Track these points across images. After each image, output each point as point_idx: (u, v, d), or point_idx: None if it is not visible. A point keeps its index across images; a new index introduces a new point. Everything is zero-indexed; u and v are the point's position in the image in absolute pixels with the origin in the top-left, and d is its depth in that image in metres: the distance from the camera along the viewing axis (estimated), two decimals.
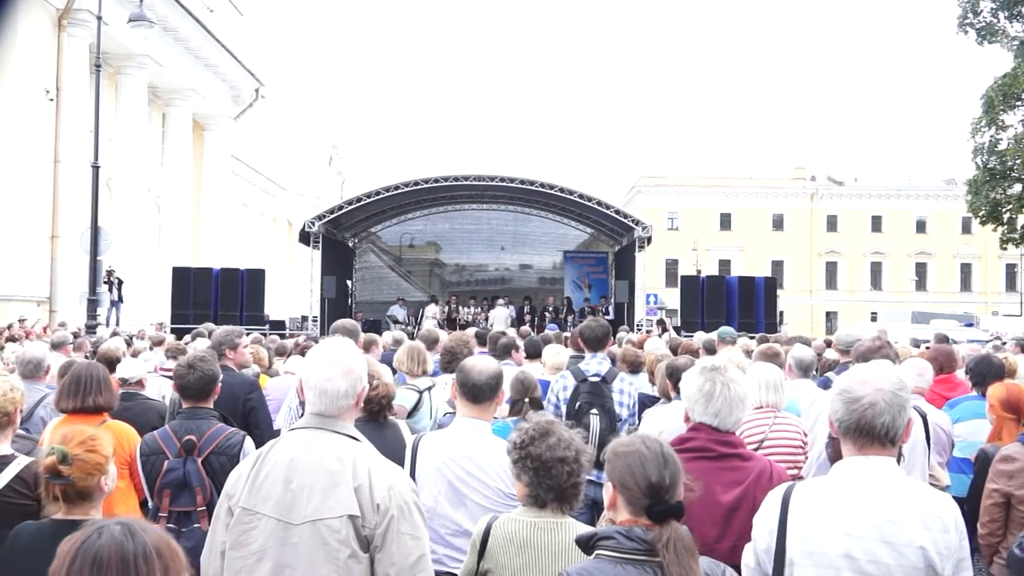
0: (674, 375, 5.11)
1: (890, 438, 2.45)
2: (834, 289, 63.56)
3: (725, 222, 63.45)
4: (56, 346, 8.21)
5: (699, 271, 40.60)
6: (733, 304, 21.55)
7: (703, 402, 3.14)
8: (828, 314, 61.86)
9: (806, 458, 4.44)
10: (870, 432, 2.44)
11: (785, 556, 2.45)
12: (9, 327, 14.55)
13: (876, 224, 63.59)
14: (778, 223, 63.69)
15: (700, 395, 3.15)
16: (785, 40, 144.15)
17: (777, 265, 60.62)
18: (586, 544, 2.41)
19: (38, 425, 4.93)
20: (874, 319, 44.93)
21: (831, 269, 63.89)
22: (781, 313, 26.56)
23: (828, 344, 10.73)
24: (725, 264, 60.48)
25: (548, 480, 2.81)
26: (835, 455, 3.35)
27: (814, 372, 6.17)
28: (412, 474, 3.54)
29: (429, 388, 5.45)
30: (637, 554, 2.29)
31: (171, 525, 4.06)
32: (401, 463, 3.60)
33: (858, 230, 63.18)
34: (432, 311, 24.15)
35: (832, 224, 63.87)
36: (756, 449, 4.08)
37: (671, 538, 2.26)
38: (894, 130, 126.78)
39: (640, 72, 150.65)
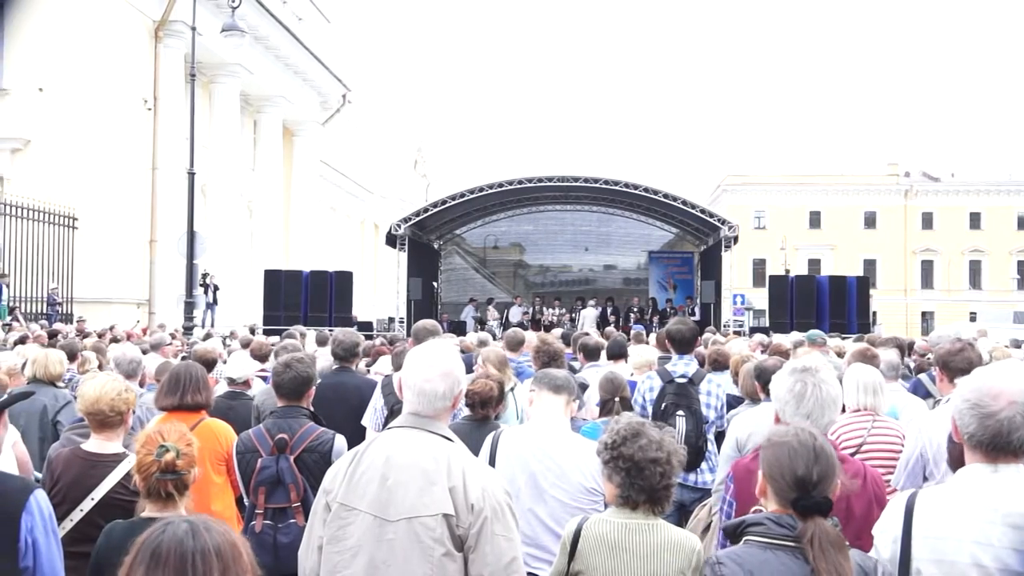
0: (762, 376, 5.03)
1: (1022, 449, 2.40)
2: (930, 288, 61.50)
3: (814, 220, 62.00)
4: (154, 347, 8.51)
5: (788, 271, 39.77)
6: (824, 305, 21.09)
7: (794, 403, 3.08)
8: (924, 314, 59.95)
9: None
10: (1005, 447, 2.38)
11: (911, 565, 2.41)
12: (111, 328, 15.11)
13: (975, 221, 61.32)
14: (870, 221, 61.97)
15: (791, 396, 3.08)
16: (877, 32, 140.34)
17: (870, 264, 58.98)
18: (734, 532, 2.43)
19: (135, 425, 5.10)
20: (973, 319, 43.39)
21: (927, 268, 61.84)
22: (874, 314, 25.89)
23: None
24: (815, 264, 59.10)
25: (640, 481, 2.79)
26: (955, 462, 3.25)
27: (901, 375, 6.00)
28: (491, 465, 3.58)
29: (512, 388, 5.48)
30: (787, 540, 2.30)
31: (268, 521, 4.17)
32: None
33: (955, 227, 61.02)
34: (493, 314, 24.35)
35: (928, 221, 61.83)
36: (854, 454, 3.97)
37: (815, 534, 2.27)
38: (993, 123, 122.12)
39: (726, 69, 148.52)
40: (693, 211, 23.55)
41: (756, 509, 2.54)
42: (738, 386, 6.09)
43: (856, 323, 20.35)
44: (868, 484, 3.02)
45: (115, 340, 11.89)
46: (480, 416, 4.42)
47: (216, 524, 1.69)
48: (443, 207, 24.04)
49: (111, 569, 2.97)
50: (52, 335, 11.72)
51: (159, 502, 3.03)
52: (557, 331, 11.02)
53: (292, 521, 4.14)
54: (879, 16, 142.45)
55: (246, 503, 4.32)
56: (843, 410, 3.83)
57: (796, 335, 10.79)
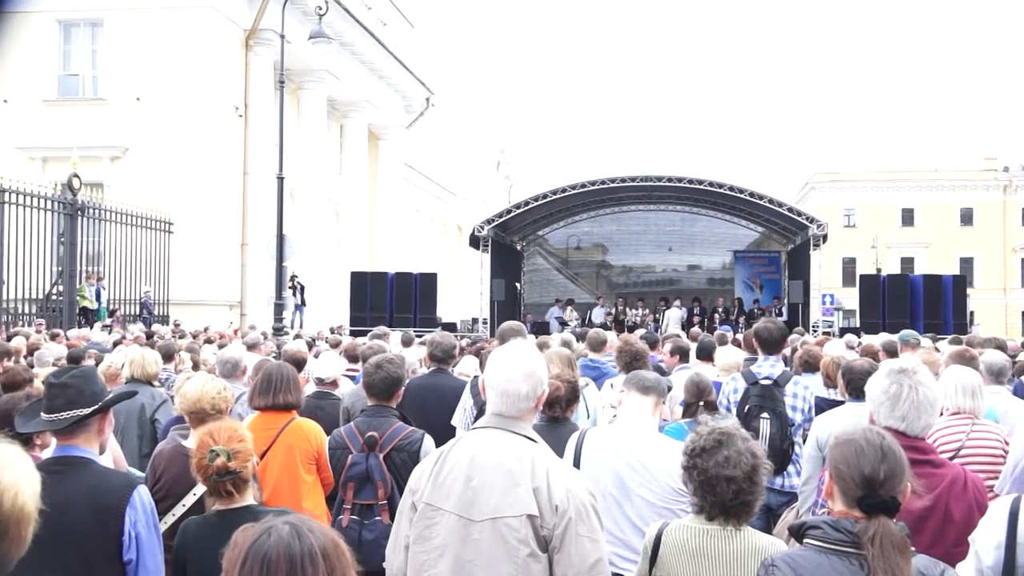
0: (847, 375, 4.92)
1: None
2: None
3: (907, 218, 60.21)
4: (250, 347, 8.77)
5: (879, 269, 38.70)
6: (918, 304, 20.44)
7: (889, 405, 3.00)
8: None
9: None
10: None
11: (1016, 571, 2.32)
12: (205, 330, 15.58)
13: None
14: (967, 217, 59.87)
15: (886, 398, 3.01)
16: (971, 22, 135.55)
17: (966, 262, 56.95)
18: (797, 532, 2.39)
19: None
20: None
21: None
22: (971, 313, 25.01)
23: None
24: (908, 262, 57.38)
25: (712, 496, 2.74)
26: None
27: (1009, 377, 5.77)
28: (575, 466, 3.57)
29: (584, 386, 5.49)
30: (843, 545, 2.25)
31: (355, 517, 4.25)
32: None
33: None
34: (572, 315, 24.29)
35: None
36: (952, 457, 3.85)
37: (877, 533, 2.21)
38: None
39: (814, 64, 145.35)
40: (780, 209, 23.10)
41: (823, 510, 2.49)
42: (831, 388, 5.97)
43: (952, 323, 19.67)
44: (968, 489, 2.92)
45: (209, 341, 12.26)
46: (549, 416, 4.40)
47: (315, 523, 1.73)
48: (526, 208, 24.07)
49: (192, 564, 3.08)
50: (150, 336, 12.16)
51: (223, 499, 3.13)
52: (640, 332, 10.94)
53: (377, 518, 4.22)
54: (972, 6, 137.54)
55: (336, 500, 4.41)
56: (941, 413, 3.72)
57: (886, 336, 10.50)
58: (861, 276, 24.43)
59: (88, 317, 18.31)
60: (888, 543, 2.19)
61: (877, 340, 9.55)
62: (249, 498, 3.18)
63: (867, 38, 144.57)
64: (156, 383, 6.35)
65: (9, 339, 10.10)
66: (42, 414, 3.01)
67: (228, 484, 3.08)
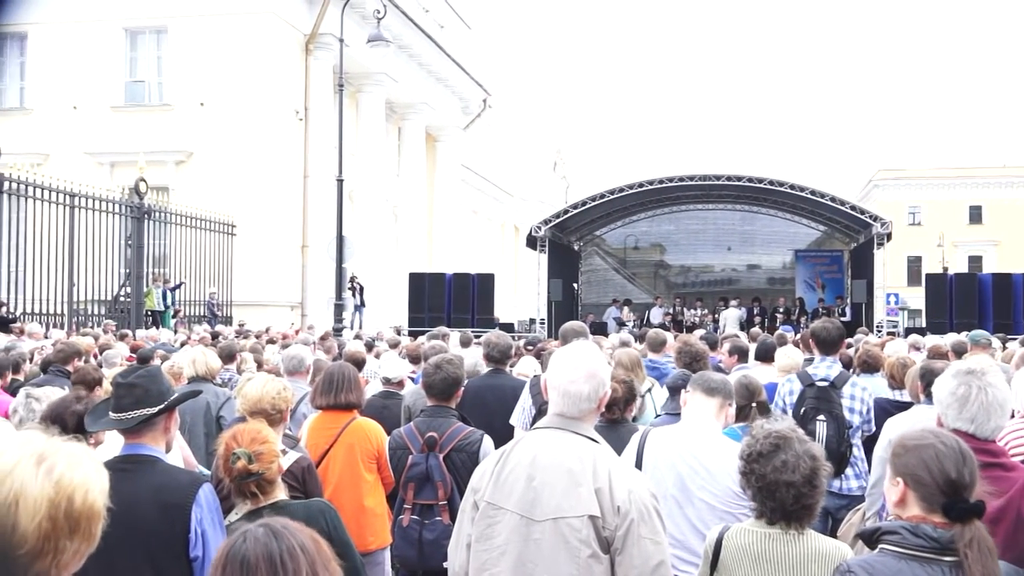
0: (926, 377, 4.79)
1: None
2: None
3: (975, 215, 58.61)
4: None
5: (946, 268, 37.81)
6: (987, 304, 19.93)
7: (956, 407, 2.94)
8: None
9: None
10: None
11: None
12: (267, 330, 15.82)
13: None
14: None
15: (953, 399, 2.94)
16: None
17: None
18: (870, 537, 2.34)
19: (300, 420, 5.30)
20: None
21: None
22: None
23: None
24: (976, 261, 55.89)
25: (771, 501, 2.70)
26: None
27: None
28: (637, 466, 3.54)
29: (649, 389, 5.44)
30: (922, 551, 2.20)
31: (415, 517, 4.28)
32: None
33: None
34: (628, 316, 24.17)
35: None
36: None
37: (975, 538, 2.16)
38: None
39: (874, 61, 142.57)
40: (843, 208, 22.70)
41: (891, 517, 2.43)
42: (896, 390, 5.84)
43: None
44: None
45: (272, 341, 12.44)
46: (608, 418, 4.37)
47: (290, 522, 1.74)
48: (583, 208, 24.03)
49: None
50: (215, 337, 12.40)
51: (250, 499, 3.15)
52: (699, 332, 10.83)
53: (438, 518, 4.24)
54: None
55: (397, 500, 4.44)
56: (1012, 415, 3.62)
57: (954, 336, 10.25)
58: (927, 275, 23.87)
59: (156, 319, 18.75)
60: (985, 548, 2.15)
61: (945, 340, 9.33)
62: (278, 495, 3.20)
63: (932, 32, 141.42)
64: (217, 381, 6.45)
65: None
66: (110, 413, 3.08)
67: (252, 485, 3.10)
